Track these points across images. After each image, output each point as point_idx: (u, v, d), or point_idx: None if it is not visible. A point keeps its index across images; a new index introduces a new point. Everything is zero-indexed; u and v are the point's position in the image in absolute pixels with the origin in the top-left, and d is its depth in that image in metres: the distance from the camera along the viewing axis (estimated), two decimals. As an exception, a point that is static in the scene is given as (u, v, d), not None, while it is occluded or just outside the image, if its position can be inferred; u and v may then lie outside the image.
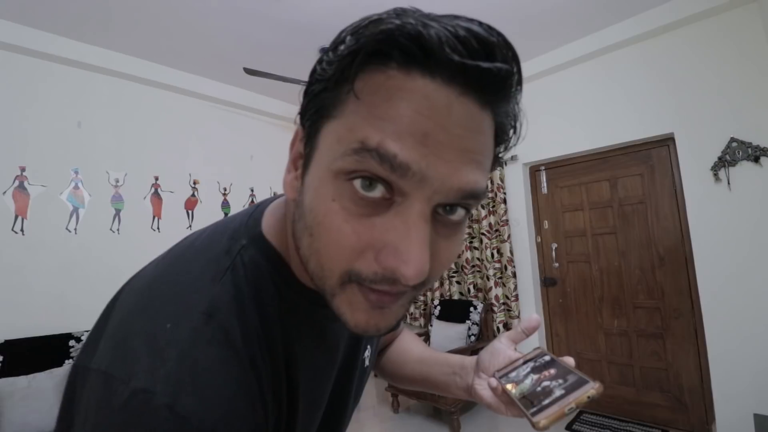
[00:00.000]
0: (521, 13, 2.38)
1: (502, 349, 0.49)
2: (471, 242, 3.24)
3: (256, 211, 0.39)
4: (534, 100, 3.04)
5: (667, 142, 2.50)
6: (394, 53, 0.25)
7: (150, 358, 0.27)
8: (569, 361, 0.43)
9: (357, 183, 0.26)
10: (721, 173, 2.20)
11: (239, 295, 0.32)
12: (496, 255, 3.07)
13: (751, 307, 2.09)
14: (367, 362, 0.50)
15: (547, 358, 0.45)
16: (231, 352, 0.29)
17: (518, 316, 2.96)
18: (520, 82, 0.28)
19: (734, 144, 2.15)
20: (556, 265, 2.99)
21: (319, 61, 0.29)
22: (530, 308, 2.98)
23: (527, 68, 2.99)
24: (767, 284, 2.06)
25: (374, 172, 0.25)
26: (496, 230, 3.10)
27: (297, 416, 0.36)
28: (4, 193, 2.17)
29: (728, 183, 2.17)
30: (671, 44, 2.40)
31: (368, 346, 0.50)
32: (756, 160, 2.09)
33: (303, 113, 0.31)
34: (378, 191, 0.26)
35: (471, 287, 3.24)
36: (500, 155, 0.32)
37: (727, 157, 2.17)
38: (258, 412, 0.29)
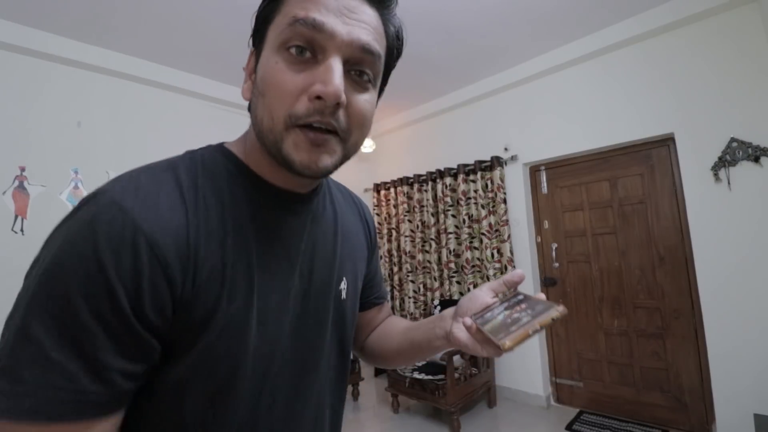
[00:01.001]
0: (522, 12, 2.38)
1: (480, 295, 0.51)
2: (471, 242, 3.24)
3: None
4: (534, 100, 3.04)
5: (667, 142, 2.50)
6: None
7: (114, 182, 0.37)
8: (540, 296, 0.47)
9: (293, 50, 0.38)
10: (721, 173, 2.20)
11: (194, 165, 0.42)
12: (496, 255, 3.07)
13: (751, 307, 2.09)
14: (344, 295, 0.54)
15: (520, 297, 0.48)
16: (176, 190, 0.39)
17: (518, 316, 2.96)
18: None
19: (734, 144, 2.15)
20: (556, 265, 2.99)
21: None
22: (530, 308, 2.98)
23: (527, 68, 3.00)
24: (767, 284, 2.06)
25: (302, 33, 0.38)
26: (496, 230, 3.10)
27: (253, 292, 0.41)
28: (4, 193, 2.17)
29: (728, 183, 2.17)
30: (671, 44, 2.40)
31: (344, 278, 0.55)
32: (756, 160, 2.09)
33: (255, 33, 0.43)
34: (307, 54, 0.38)
35: (471, 287, 3.24)
36: (393, 61, 0.49)
37: (727, 157, 2.17)
38: (189, 240, 0.37)
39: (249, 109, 0.45)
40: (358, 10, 0.40)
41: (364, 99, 0.42)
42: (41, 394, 0.30)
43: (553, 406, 2.93)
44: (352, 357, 0.62)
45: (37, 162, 2.28)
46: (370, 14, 0.41)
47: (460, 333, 0.49)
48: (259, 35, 0.43)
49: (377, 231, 4.07)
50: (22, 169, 2.23)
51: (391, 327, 0.68)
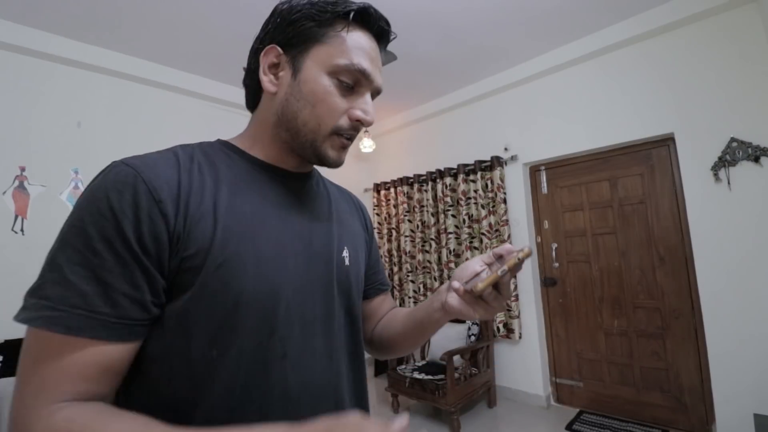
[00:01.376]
0: (522, 13, 2.38)
1: (471, 264, 0.56)
2: (471, 242, 3.24)
3: None
4: (534, 100, 3.05)
5: (667, 142, 2.50)
6: (358, 17, 0.52)
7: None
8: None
9: (342, 79, 0.52)
10: (721, 173, 2.20)
11: (192, 148, 0.52)
12: (496, 255, 3.06)
13: (751, 307, 2.09)
14: (347, 262, 0.61)
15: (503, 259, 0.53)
16: (174, 159, 0.48)
17: (518, 316, 2.96)
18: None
19: (734, 144, 2.15)
20: (556, 265, 2.99)
21: (306, 11, 0.51)
22: (530, 308, 2.98)
23: (527, 68, 3.00)
24: (767, 284, 2.06)
25: (354, 75, 0.52)
26: (496, 230, 3.10)
27: (248, 239, 0.48)
28: (4, 193, 2.17)
29: (728, 183, 2.17)
30: (671, 44, 2.40)
31: (345, 247, 0.61)
32: (756, 160, 2.09)
33: (289, 39, 0.52)
34: (350, 86, 0.52)
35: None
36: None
37: (727, 157, 2.17)
38: (181, 187, 0.45)
39: (254, 102, 0.58)
40: (379, 57, 0.56)
41: None
42: (61, 308, 0.38)
43: (553, 406, 2.93)
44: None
45: (37, 162, 2.28)
46: (380, 58, 0.57)
47: (453, 300, 0.53)
48: (294, 46, 0.52)
49: (377, 231, 4.08)
50: (23, 169, 2.23)
51: (396, 313, 0.72)
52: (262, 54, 0.53)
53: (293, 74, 0.52)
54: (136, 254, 0.41)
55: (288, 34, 0.52)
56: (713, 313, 2.22)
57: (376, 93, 0.56)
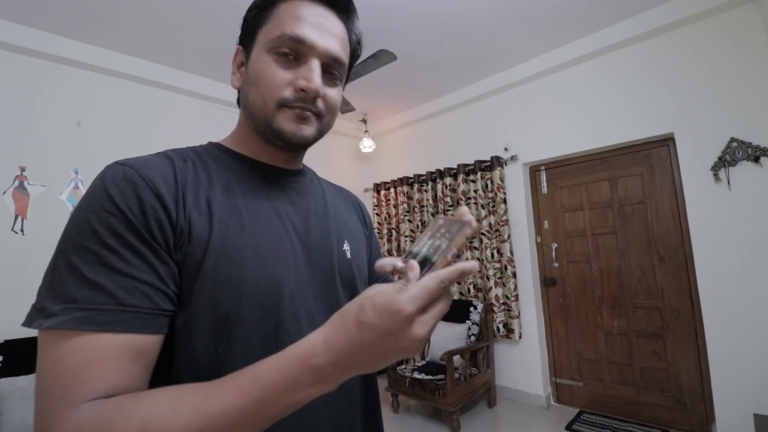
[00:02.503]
0: (522, 13, 2.38)
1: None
2: (471, 242, 3.24)
3: None
4: (534, 100, 3.05)
5: (667, 142, 2.50)
6: None
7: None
8: (461, 212, 0.43)
9: (281, 51, 0.50)
10: (721, 173, 2.20)
11: (184, 150, 0.53)
12: (496, 255, 3.07)
13: (751, 307, 2.10)
14: (348, 254, 0.61)
15: (440, 221, 0.45)
16: (167, 159, 0.49)
17: (518, 316, 2.96)
18: (354, 10, 0.57)
19: (734, 144, 2.15)
20: (556, 265, 2.99)
21: (255, 2, 0.53)
22: (530, 308, 2.98)
23: (527, 68, 3.00)
24: (767, 284, 2.06)
25: (289, 44, 0.50)
26: (496, 230, 3.10)
27: (245, 232, 0.49)
28: (4, 193, 2.17)
29: (728, 183, 2.17)
30: (671, 44, 2.40)
31: (345, 240, 0.62)
32: (756, 160, 2.09)
33: (244, 34, 0.54)
34: (291, 57, 0.51)
35: (471, 287, 3.25)
36: (355, 65, 0.59)
37: (727, 157, 2.17)
38: (177, 183, 0.47)
39: (238, 98, 0.58)
40: (331, 23, 0.53)
41: (335, 92, 0.55)
42: (90, 307, 0.38)
43: (553, 406, 2.93)
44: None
45: (37, 162, 2.28)
46: (339, 26, 0.54)
47: None
48: (249, 37, 0.54)
49: (377, 231, 4.08)
50: (23, 169, 2.24)
51: None
52: (233, 58, 0.57)
53: (246, 64, 0.54)
54: (149, 244, 0.42)
55: (244, 30, 0.55)
56: (713, 313, 2.22)
57: (330, 59, 0.52)
